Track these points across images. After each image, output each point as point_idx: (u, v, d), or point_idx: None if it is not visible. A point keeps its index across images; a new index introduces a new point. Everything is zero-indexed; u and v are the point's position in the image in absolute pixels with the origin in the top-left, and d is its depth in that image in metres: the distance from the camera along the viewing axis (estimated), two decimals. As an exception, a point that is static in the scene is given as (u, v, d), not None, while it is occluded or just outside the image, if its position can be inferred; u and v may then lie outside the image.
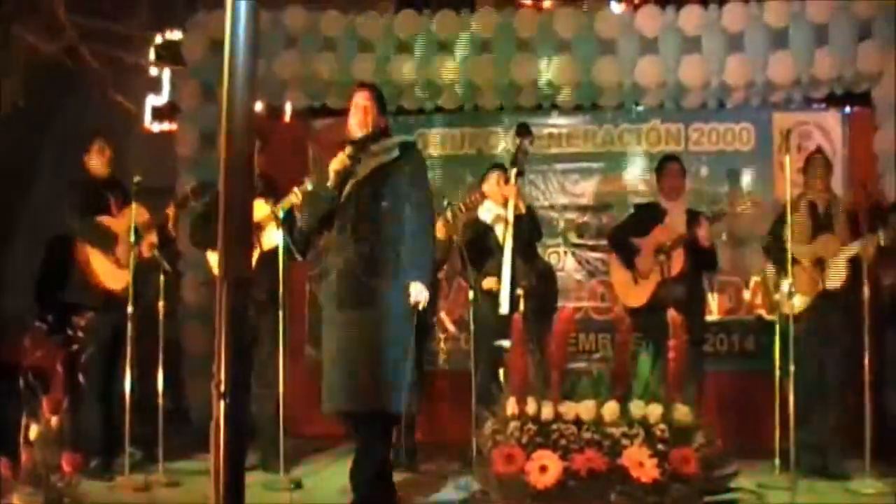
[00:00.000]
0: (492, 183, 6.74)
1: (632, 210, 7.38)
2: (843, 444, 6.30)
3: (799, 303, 6.17)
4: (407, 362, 4.99)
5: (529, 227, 6.53)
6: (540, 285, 6.56)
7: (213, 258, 6.28)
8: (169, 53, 8.74)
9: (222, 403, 2.55)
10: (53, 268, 7.01)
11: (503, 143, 8.24)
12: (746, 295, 7.94)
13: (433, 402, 7.66)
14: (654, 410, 4.03)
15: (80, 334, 6.46)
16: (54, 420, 4.47)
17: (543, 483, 3.90)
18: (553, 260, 8.09)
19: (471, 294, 6.27)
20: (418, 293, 5.03)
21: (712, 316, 7.77)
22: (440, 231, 6.14)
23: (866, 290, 5.97)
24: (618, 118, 8.30)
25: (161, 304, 6.20)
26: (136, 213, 6.13)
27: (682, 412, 4.09)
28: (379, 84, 7.02)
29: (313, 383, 7.89)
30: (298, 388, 7.19)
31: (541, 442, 3.99)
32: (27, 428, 4.42)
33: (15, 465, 4.31)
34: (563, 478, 3.90)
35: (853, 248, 6.16)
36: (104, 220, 6.40)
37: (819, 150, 6.88)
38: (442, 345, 8.13)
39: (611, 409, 4.04)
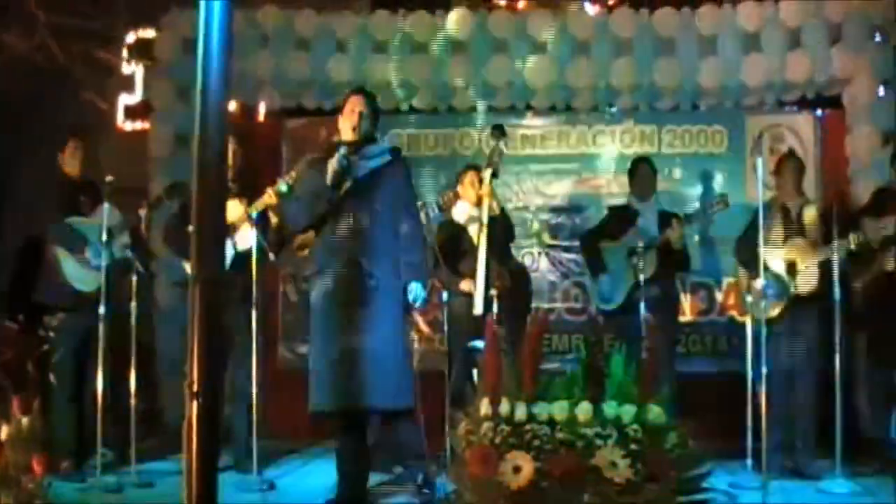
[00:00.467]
0: (466, 184, 6.75)
1: (605, 211, 7.39)
2: (815, 445, 6.34)
3: (771, 306, 6.21)
4: (407, 359, 5.17)
5: (503, 228, 6.54)
6: (514, 286, 6.57)
7: (185, 259, 6.24)
8: (142, 52, 8.68)
9: (195, 404, 2.54)
10: (25, 267, 6.95)
11: (477, 143, 8.25)
12: (719, 296, 7.99)
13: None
14: (628, 411, 4.04)
15: (52, 334, 6.42)
16: (25, 420, 4.43)
17: (517, 483, 3.90)
18: (527, 261, 8.12)
19: (445, 295, 6.26)
20: (419, 293, 5.20)
21: (685, 317, 7.80)
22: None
23: (838, 294, 6.01)
24: (592, 120, 8.32)
25: (133, 304, 6.16)
26: (109, 213, 6.08)
27: (656, 413, 4.10)
28: (356, 83, 7.06)
29: (287, 384, 7.91)
30: (272, 388, 7.17)
31: (514, 443, 3.98)
32: (-3, 428, 4.39)
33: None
34: (537, 478, 3.90)
35: (825, 252, 6.20)
36: (76, 220, 6.35)
37: (791, 152, 6.92)
38: (416, 345, 8.12)
39: (584, 409, 4.04)
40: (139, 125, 8.84)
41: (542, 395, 4.16)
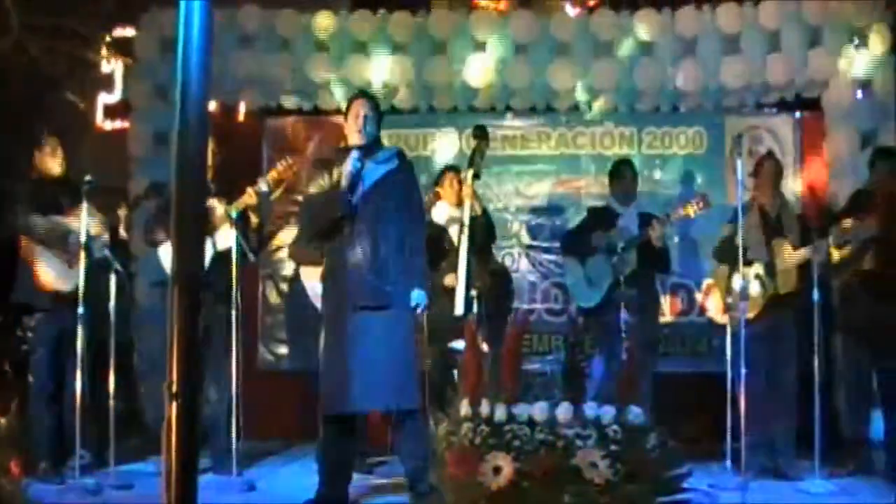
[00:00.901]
0: (446, 185, 6.75)
1: (585, 213, 7.40)
2: (794, 445, 6.37)
3: (750, 307, 6.23)
4: (416, 361, 5.27)
5: (484, 229, 6.55)
6: (494, 287, 6.57)
7: (165, 258, 6.21)
8: (121, 50, 8.64)
9: (174, 405, 2.52)
10: (2, 268, 6.91)
11: (458, 144, 8.26)
12: (699, 297, 8.01)
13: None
14: (607, 412, 4.05)
15: (30, 335, 6.39)
16: (3, 422, 4.42)
17: (497, 484, 3.90)
18: (507, 262, 8.12)
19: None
20: (421, 299, 5.29)
21: (665, 318, 7.82)
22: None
23: (817, 295, 6.04)
24: (572, 121, 8.34)
25: (112, 304, 6.12)
26: (88, 212, 6.05)
27: (635, 413, 4.11)
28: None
29: (267, 385, 7.90)
30: (251, 389, 7.13)
31: (494, 443, 3.99)
32: (-25, 430, 4.37)
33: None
34: (517, 479, 3.90)
35: (804, 253, 6.23)
36: (55, 219, 6.32)
37: (770, 154, 6.95)
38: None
39: (564, 410, 4.05)
40: (118, 124, 8.80)
41: (523, 396, 4.17)
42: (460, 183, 6.42)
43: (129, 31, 8.50)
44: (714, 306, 6.71)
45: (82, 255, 6.01)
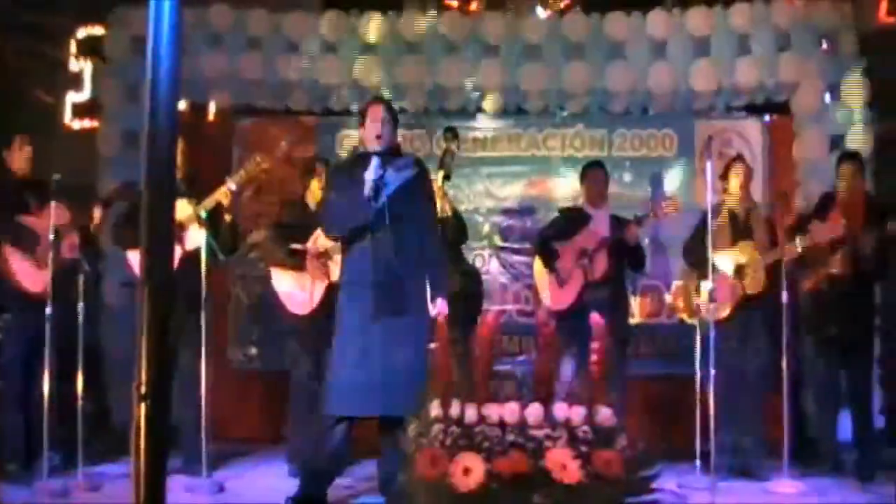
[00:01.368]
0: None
1: (556, 214, 7.42)
2: (762, 446, 6.41)
3: (720, 308, 6.26)
4: (426, 371, 5.12)
5: (455, 230, 6.56)
6: (465, 288, 6.58)
7: (134, 259, 6.17)
8: (91, 49, 8.57)
9: (143, 406, 2.51)
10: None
11: (429, 145, 8.26)
12: (668, 298, 8.05)
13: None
14: (578, 412, 4.06)
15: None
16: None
17: (467, 485, 3.91)
18: (478, 263, 8.12)
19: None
20: (442, 308, 5.25)
21: (635, 319, 7.85)
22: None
23: (785, 296, 6.08)
24: (543, 123, 8.36)
25: (81, 305, 6.07)
26: (57, 213, 6.00)
27: (605, 414, 4.12)
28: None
29: (237, 386, 7.88)
30: (221, 390, 7.12)
31: (465, 444, 4.00)
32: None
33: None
34: (487, 480, 3.91)
35: (772, 255, 6.27)
36: (25, 219, 6.26)
37: (739, 157, 6.98)
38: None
39: (534, 411, 4.06)
40: (87, 123, 8.73)
41: (493, 397, 4.18)
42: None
43: (98, 30, 8.44)
44: (684, 308, 6.74)
45: (51, 255, 5.96)
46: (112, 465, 6.43)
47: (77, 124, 8.76)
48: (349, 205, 5.25)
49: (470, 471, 3.92)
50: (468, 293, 6.66)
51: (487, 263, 8.29)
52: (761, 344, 6.41)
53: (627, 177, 8.24)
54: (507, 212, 8.35)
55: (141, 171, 2.63)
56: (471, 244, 7.68)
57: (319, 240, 6.43)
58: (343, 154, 7.94)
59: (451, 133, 6.29)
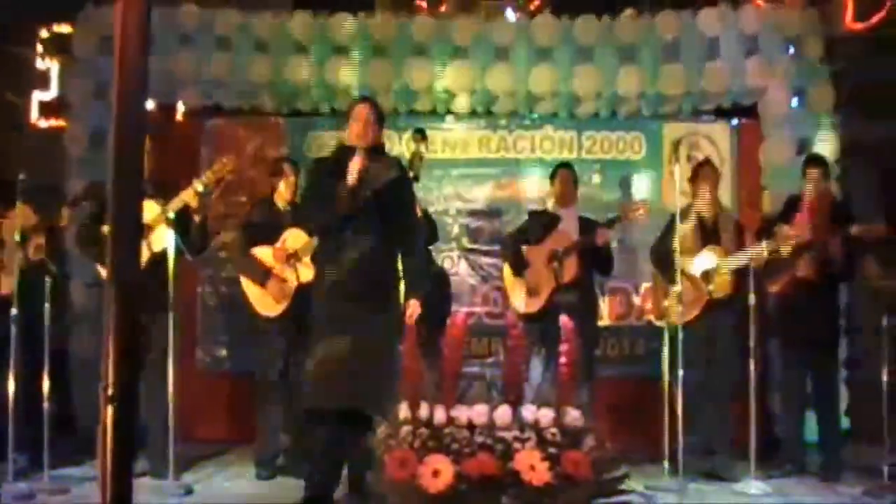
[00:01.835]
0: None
1: (525, 216, 7.43)
2: (730, 447, 6.45)
3: (687, 311, 6.29)
4: (397, 367, 5.07)
5: (424, 232, 6.55)
6: (434, 290, 6.57)
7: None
8: (57, 47, 8.51)
9: (110, 408, 2.49)
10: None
11: (398, 146, 8.25)
12: (637, 301, 8.09)
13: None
14: (546, 414, 4.07)
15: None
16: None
17: (436, 487, 3.90)
18: (446, 264, 8.13)
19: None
20: (416, 308, 5.26)
21: (603, 321, 7.88)
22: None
23: (752, 299, 6.12)
24: (512, 125, 8.38)
25: (47, 307, 6.02)
26: (23, 213, 5.94)
27: (574, 416, 4.13)
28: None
29: (204, 387, 7.84)
30: (188, 392, 7.07)
31: (433, 446, 3.99)
32: None
33: None
34: (456, 482, 3.90)
35: (739, 259, 6.31)
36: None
37: (707, 160, 7.03)
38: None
39: (503, 413, 4.06)
40: (54, 122, 8.66)
41: (462, 399, 4.18)
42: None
43: (65, 29, 8.38)
44: (652, 310, 6.77)
45: (16, 256, 5.90)
46: (78, 467, 6.36)
47: (43, 123, 8.70)
48: (331, 194, 5.24)
49: (439, 472, 3.92)
50: (436, 295, 6.64)
51: (456, 265, 8.30)
52: (729, 346, 6.44)
53: (596, 178, 8.28)
54: (476, 213, 8.37)
55: (108, 171, 2.61)
56: (440, 246, 7.69)
57: (289, 241, 6.41)
58: (311, 155, 7.90)
59: (420, 134, 6.28)
